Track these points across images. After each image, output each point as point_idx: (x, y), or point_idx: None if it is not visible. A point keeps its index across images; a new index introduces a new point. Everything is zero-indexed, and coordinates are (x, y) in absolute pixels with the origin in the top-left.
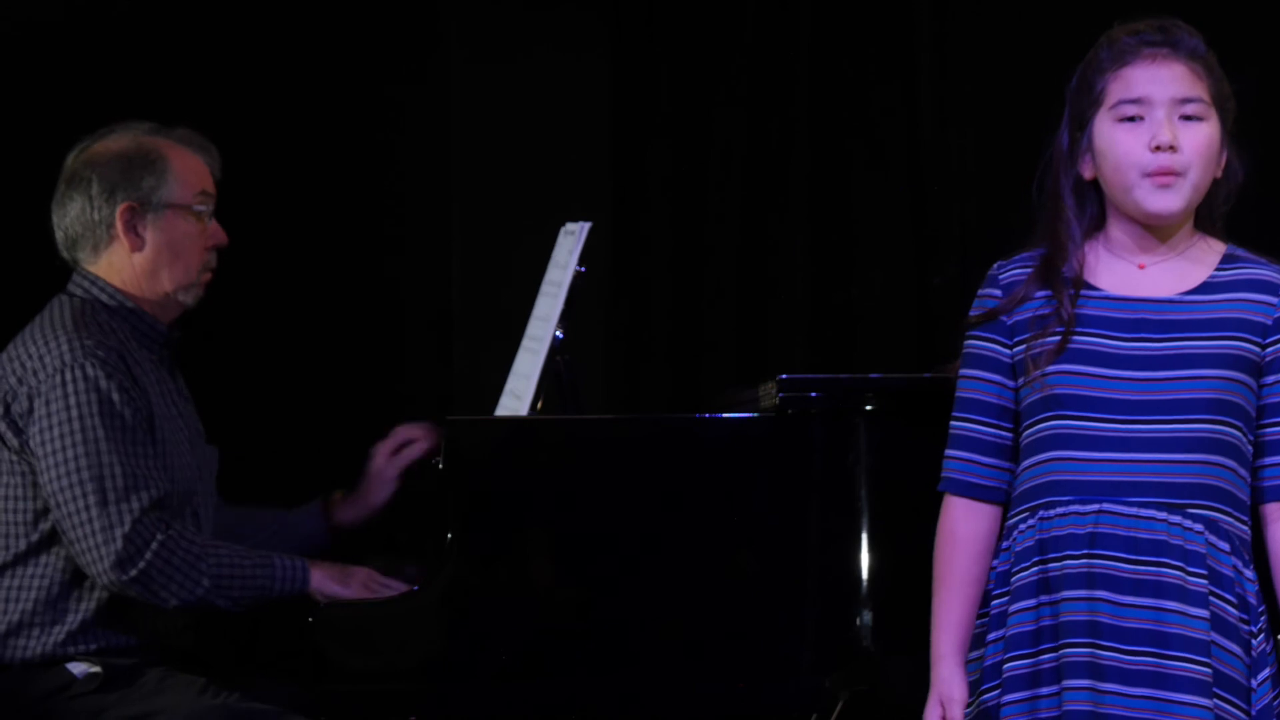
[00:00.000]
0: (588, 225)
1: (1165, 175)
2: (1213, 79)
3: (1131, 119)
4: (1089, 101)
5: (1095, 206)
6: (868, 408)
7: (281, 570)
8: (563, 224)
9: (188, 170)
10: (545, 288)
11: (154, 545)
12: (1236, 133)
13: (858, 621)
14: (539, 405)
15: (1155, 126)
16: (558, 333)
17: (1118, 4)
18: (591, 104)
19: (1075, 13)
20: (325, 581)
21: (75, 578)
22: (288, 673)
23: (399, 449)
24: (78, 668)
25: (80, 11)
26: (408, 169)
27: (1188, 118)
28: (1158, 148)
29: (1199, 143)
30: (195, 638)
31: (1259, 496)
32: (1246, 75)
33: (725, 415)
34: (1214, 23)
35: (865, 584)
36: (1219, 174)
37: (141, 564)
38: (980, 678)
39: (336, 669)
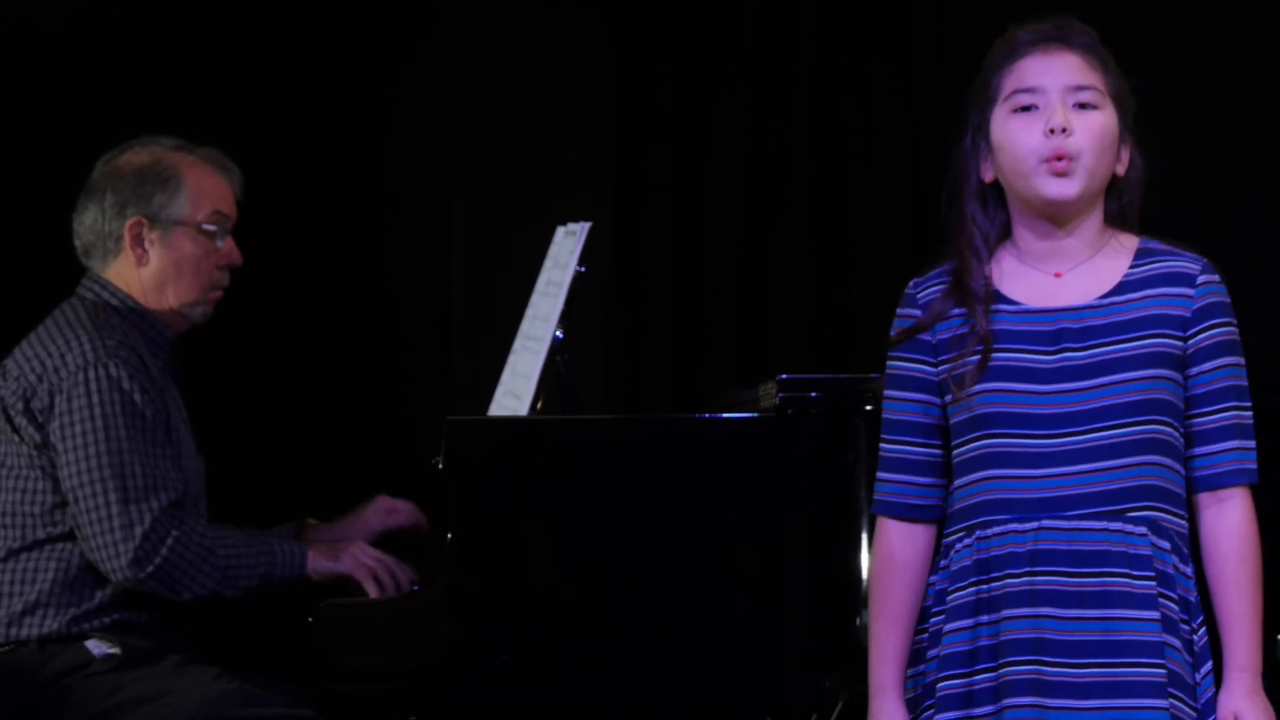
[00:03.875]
0: (588, 225)
1: (1060, 160)
2: (1107, 72)
3: (1026, 108)
4: (985, 100)
5: (1002, 212)
6: (868, 408)
7: (281, 555)
8: (562, 224)
9: (202, 189)
10: (546, 288)
11: (169, 541)
12: (1137, 131)
13: (858, 621)
14: (539, 405)
15: (1049, 112)
16: (558, 333)
17: (1117, 4)
18: (591, 104)
19: (1075, 14)
20: (319, 560)
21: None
22: (288, 673)
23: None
24: (97, 648)
25: (80, 13)
26: (407, 169)
27: (1082, 105)
28: (1051, 131)
29: (1093, 128)
30: (199, 622)
31: (1192, 486)
32: (1140, 74)
33: (725, 415)
34: (1212, 26)
35: (865, 584)
36: (1120, 170)
37: (158, 559)
38: (921, 694)
39: (336, 669)
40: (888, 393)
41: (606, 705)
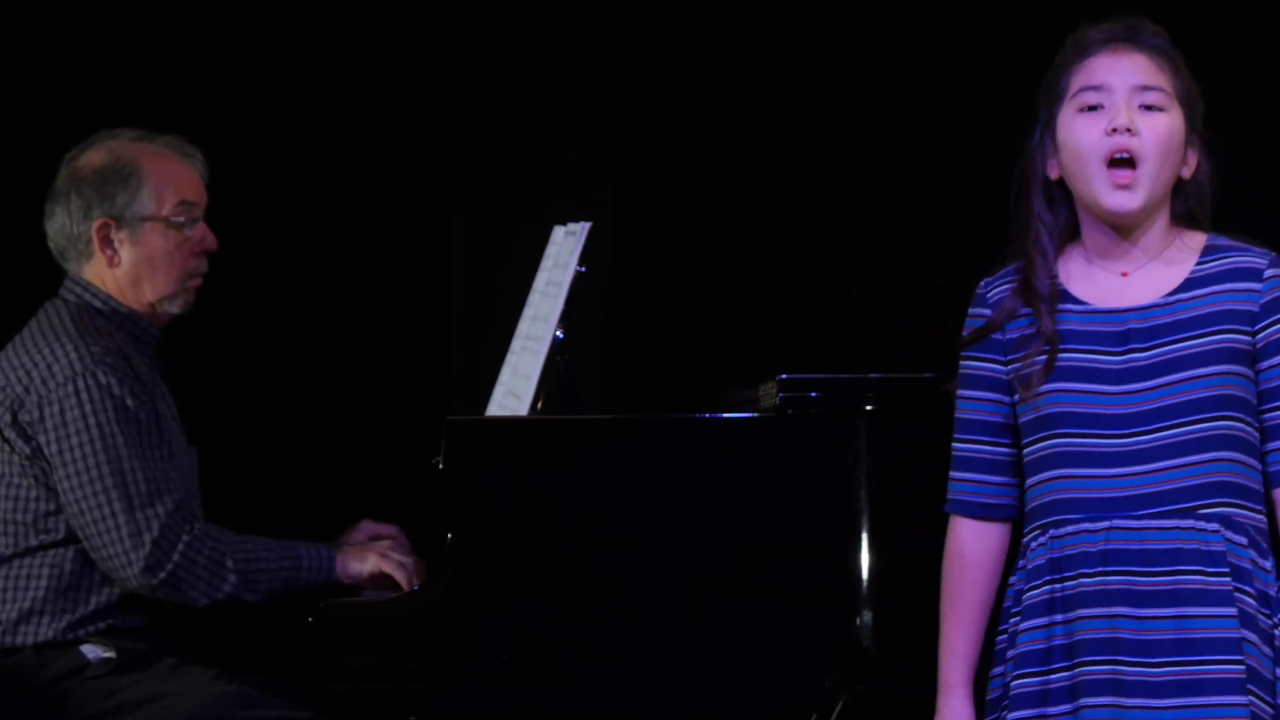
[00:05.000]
0: (588, 225)
1: (1123, 169)
2: (1176, 74)
3: (1092, 108)
4: (1054, 97)
5: (1067, 209)
6: (868, 408)
7: (307, 560)
8: (562, 224)
9: (165, 181)
10: (546, 288)
11: (180, 547)
12: (1205, 134)
13: (858, 621)
14: (539, 405)
15: (1113, 112)
16: (558, 333)
17: (1119, 4)
18: (591, 104)
19: (1075, 13)
20: (348, 563)
21: (86, 568)
22: (288, 673)
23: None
24: (92, 652)
25: (78, 10)
26: (407, 169)
27: (1148, 107)
28: (1114, 130)
29: (1158, 131)
30: (195, 623)
31: (1268, 482)
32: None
33: (725, 415)
34: (1209, 25)
35: (865, 584)
36: (1186, 173)
37: (170, 565)
38: (1000, 695)
39: (336, 669)
40: (960, 392)
41: (606, 705)
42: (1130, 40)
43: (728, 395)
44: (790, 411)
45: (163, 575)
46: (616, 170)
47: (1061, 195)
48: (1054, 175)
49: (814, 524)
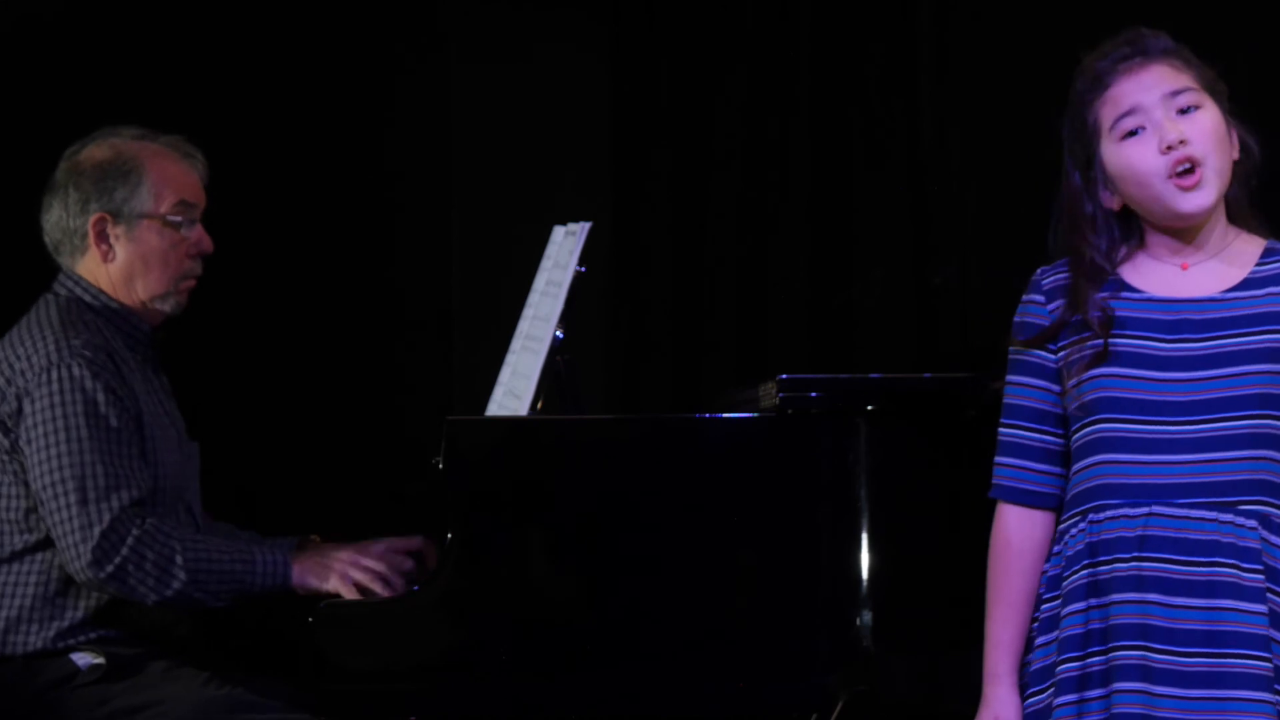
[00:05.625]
0: (588, 225)
1: (1187, 175)
2: (1194, 67)
3: (1133, 133)
4: (1087, 135)
5: (1136, 231)
6: (868, 408)
7: (262, 565)
8: (562, 224)
9: (165, 180)
10: (546, 288)
11: (130, 541)
12: (1237, 113)
13: (858, 621)
14: (539, 405)
15: (1158, 130)
16: (558, 332)
17: (1118, 4)
18: (591, 104)
19: (1075, 13)
20: (304, 575)
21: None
22: (287, 672)
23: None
24: (82, 659)
25: (79, 7)
26: (408, 169)
27: (1184, 110)
28: (1169, 147)
29: (1205, 128)
30: (192, 629)
31: None
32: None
33: (725, 415)
34: (1203, 20)
35: (865, 584)
36: (1236, 155)
37: (118, 559)
38: (1026, 681)
39: (336, 669)
40: (1009, 378)
41: (606, 706)
42: (1141, 53)
43: (728, 395)
44: (790, 411)
45: (110, 569)
46: (616, 171)
47: (1122, 222)
48: (1115, 207)
49: (814, 524)
